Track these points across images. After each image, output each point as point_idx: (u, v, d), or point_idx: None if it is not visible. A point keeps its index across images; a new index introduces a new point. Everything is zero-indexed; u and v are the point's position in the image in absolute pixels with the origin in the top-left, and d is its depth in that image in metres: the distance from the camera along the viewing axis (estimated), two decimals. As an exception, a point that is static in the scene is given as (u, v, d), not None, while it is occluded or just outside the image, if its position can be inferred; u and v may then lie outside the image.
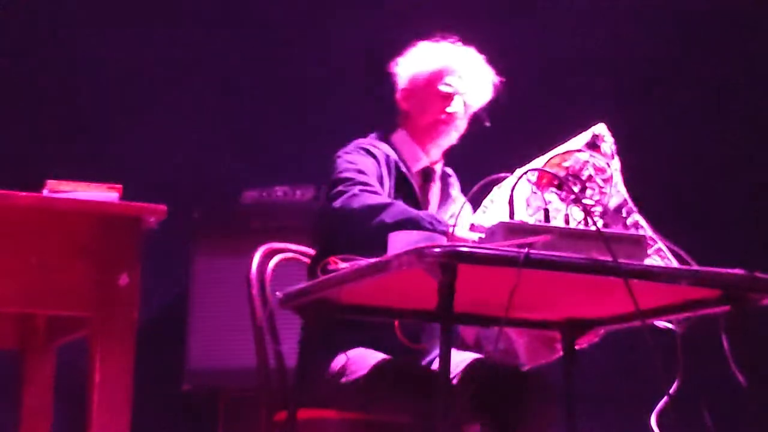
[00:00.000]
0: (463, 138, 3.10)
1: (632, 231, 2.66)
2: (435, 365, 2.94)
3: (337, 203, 2.78)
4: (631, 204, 2.74)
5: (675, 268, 2.41)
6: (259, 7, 5.11)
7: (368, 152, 2.97)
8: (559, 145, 2.80)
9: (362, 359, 2.79)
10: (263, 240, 3.15)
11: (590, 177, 2.70)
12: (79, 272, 2.31)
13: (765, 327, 2.87)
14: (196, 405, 4.64)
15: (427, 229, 2.61)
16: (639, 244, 2.33)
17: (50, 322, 2.93)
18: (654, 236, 2.68)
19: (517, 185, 2.41)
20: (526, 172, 2.46)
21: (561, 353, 2.89)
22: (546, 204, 2.53)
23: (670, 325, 2.66)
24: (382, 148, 3.02)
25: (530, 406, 2.75)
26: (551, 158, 2.74)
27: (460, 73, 3.07)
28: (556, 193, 2.64)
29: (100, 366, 2.30)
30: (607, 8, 5.13)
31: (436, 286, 2.17)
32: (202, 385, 4.48)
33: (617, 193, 2.72)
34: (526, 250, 2.13)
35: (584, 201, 2.63)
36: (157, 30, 4.97)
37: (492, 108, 3.10)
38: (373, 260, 2.29)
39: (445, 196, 3.12)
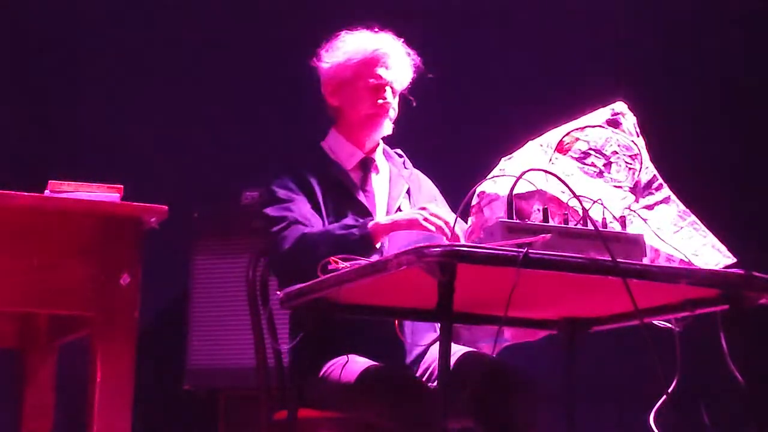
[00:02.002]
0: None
1: (661, 205, 2.65)
2: (426, 361, 2.95)
3: (270, 256, 2.91)
4: (660, 180, 2.73)
5: (674, 268, 2.42)
6: (259, 7, 5.12)
7: (288, 173, 2.99)
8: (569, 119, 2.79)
9: (353, 363, 2.80)
10: (263, 240, 3.15)
11: (614, 153, 2.69)
12: (81, 272, 2.32)
13: (763, 326, 2.87)
14: (196, 405, 4.64)
15: (353, 238, 2.72)
16: (637, 243, 2.34)
17: (51, 321, 2.93)
18: (686, 209, 2.68)
19: (522, 176, 2.38)
20: (525, 172, 2.44)
21: (545, 333, 2.90)
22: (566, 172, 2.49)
23: (668, 325, 2.67)
24: (308, 158, 3.05)
25: (513, 402, 2.75)
26: (569, 131, 2.71)
27: (385, 62, 3.07)
28: (577, 165, 2.62)
29: (101, 365, 2.30)
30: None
31: (435, 285, 2.18)
32: (202, 385, 4.48)
33: (645, 169, 2.71)
34: (525, 249, 2.14)
35: (609, 176, 2.62)
36: (158, 30, 4.97)
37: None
38: (372, 260, 2.30)
39: (395, 177, 3.11)
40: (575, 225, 2.32)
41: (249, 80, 5.09)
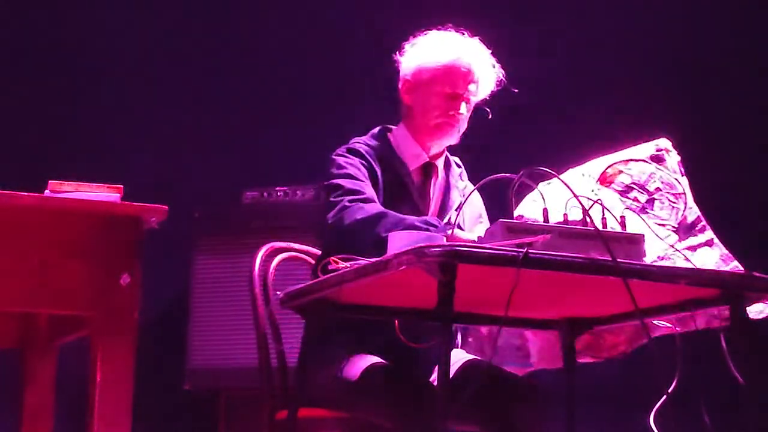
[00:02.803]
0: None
1: (705, 248, 2.63)
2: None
3: (330, 218, 2.78)
4: (704, 221, 2.71)
5: (673, 268, 2.42)
6: (259, 7, 5.12)
7: (358, 153, 2.95)
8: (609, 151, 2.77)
9: (357, 362, 2.79)
10: (263, 240, 3.15)
11: (657, 189, 2.68)
12: (81, 272, 2.32)
13: (763, 326, 2.87)
14: (196, 405, 4.64)
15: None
16: (637, 243, 2.34)
17: (51, 321, 2.93)
18: (729, 253, 2.66)
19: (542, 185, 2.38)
20: (525, 171, 2.43)
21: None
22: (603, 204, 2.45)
23: (668, 325, 2.67)
24: (377, 148, 2.99)
25: (521, 412, 2.75)
26: (613, 163, 2.69)
27: (467, 72, 2.99)
28: (619, 198, 2.61)
29: (101, 365, 2.30)
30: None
31: (435, 285, 2.18)
32: (202, 385, 4.48)
33: (689, 209, 2.69)
34: (525, 249, 2.14)
35: (652, 213, 2.61)
36: (158, 30, 4.97)
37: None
38: (373, 260, 2.30)
39: (451, 188, 3.07)
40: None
41: (249, 80, 5.09)
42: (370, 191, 2.87)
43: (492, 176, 2.47)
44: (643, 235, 2.38)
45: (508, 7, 4.99)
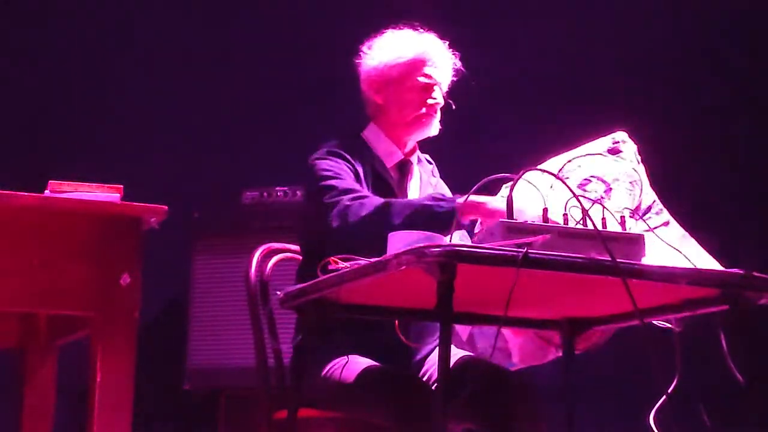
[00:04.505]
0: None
1: (661, 227, 2.66)
2: (426, 364, 2.95)
3: (334, 222, 2.73)
4: (660, 205, 2.74)
5: (673, 268, 2.42)
6: (259, 7, 5.12)
7: (339, 155, 2.93)
8: (574, 147, 2.80)
9: (354, 362, 2.79)
10: (263, 240, 3.16)
11: (615, 179, 2.71)
12: (81, 272, 2.32)
13: (762, 326, 2.87)
14: (196, 405, 4.65)
15: (440, 210, 2.60)
16: (637, 243, 2.34)
17: (51, 321, 2.94)
18: (686, 234, 2.69)
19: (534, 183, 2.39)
20: (525, 171, 2.45)
21: (552, 357, 2.90)
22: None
23: (668, 325, 2.67)
24: (355, 147, 2.98)
25: (517, 409, 2.75)
26: (571, 159, 2.73)
27: (434, 62, 3.03)
28: (578, 192, 2.63)
29: (101, 365, 2.31)
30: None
31: (435, 285, 2.18)
32: (202, 385, 4.48)
33: (645, 195, 2.73)
34: (524, 249, 2.14)
35: (608, 201, 2.63)
36: (158, 30, 4.97)
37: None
38: (372, 260, 2.30)
39: (425, 184, 3.08)
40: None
41: (249, 80, 5.09)
42: (359, 187, 2.86)
43: (492, 176, 2.48)
44: (643, 236, 2.38)
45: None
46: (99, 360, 2.31)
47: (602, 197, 2.64)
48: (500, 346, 2.96)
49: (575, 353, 2.84)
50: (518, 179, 2.39)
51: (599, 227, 2.29)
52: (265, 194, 4.63)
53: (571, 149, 2.86)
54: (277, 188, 4.63)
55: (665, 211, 2.76)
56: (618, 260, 2.20)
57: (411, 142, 3.07)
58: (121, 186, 2.43)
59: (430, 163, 3.18)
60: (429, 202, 2.66)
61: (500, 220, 2.27)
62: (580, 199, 2.34)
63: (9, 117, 4.64)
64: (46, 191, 2.40)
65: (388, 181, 3.00)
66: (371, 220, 2.67)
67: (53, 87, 4.81)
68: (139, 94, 4.88)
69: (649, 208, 2.74)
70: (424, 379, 2.92)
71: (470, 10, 5.01)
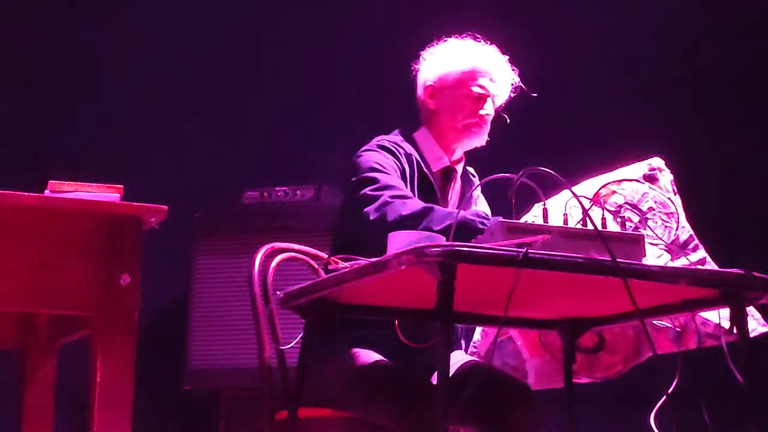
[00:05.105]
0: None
1: (697, 267, 2.63)
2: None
3: (372, 214, 2.73)
4: (696, 240, 2.72)
5: (674, 268, 2.42)
6: (259, 8, 5.12)
7: (388, 150, 2.95)
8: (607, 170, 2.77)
9: (356, 361, 2.79)
10: (264, 240, 3.15)
11: (650, 209, 2.69)
12: (81, 272, 2.32)
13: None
14: (196, 405, 4.65)
15: (482, 228, 2.59)
16: (637, 243, 2.34)
17: (52, 321, 2.94)
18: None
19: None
20: (525, 172, 2.43)
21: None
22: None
23: (668, 325, 2.67)
24: (404, 146, 3.00)
25: (518, 413, 2.75)
26: (606, 183, 2.70)
27: (491, 74, 3.05)
28: (612, 218, 2.61)
29: (101, 365, 2.31)
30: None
31: (435, 285, 2.18)
32: (202, 385, 4.48)
33: (682, 228, 2.70)
34: (524, 249, 2.14)
35: (644, 232, 2.60)
36: (159, 30, 4.97)
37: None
38: (372, 260, 2.30)
39: (465, 197, 3.08)
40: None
41: (249, 80, 5.09)
42: (406, 187, 2.87)
43: (492, 176, 2.47)
44: (643, 236, 2.38)
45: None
46: (99, 360, 2.31)
47: (637, 227, 2.61)
48: (516, 366, 2.95)
49: (597, 380, 2.84)
50: (518, 179, 2.39)
51: (599, 227, 2.29)
52: (265, 194, 4.63)
53: (607, 172, 2.84)
54: (278, 188, 4.63)
55: (702, 248, 2.73)
56: (618, 260, 2.20)
57: (459, 151, 3.08)
58: (121, 186, 2.43)
59: (474, 176, 3.19)
60: (472, 218, 2.67)
61: (500, 220, 2.27)
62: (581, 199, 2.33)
63: (9, 117, 4.64)
64: (46, 191, 2.40)
65: (432, 184, 3.00)
66: (411, 220, 2.68)
67: (53, 87, 4.81)
68: (140, 94, 4.88)
69: (685, 243, 2.72)
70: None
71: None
